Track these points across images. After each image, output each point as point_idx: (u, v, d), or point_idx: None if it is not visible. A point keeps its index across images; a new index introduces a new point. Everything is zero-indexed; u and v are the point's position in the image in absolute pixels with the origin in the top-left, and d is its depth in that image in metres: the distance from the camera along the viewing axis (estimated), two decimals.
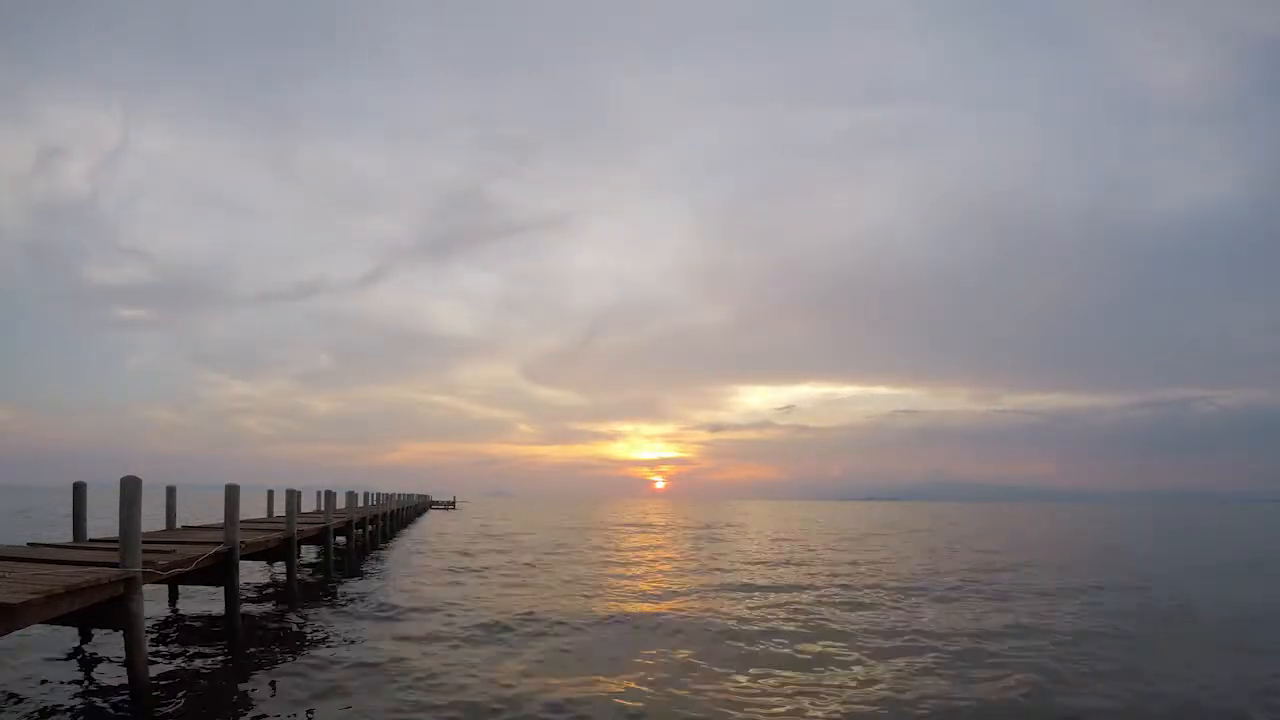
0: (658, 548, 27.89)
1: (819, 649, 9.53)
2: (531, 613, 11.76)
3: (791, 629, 10.90)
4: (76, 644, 8.51)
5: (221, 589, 9.70)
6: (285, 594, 12.83)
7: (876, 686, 7.73)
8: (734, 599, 14.04)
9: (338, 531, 17.83)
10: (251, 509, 16.11)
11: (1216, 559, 25.53)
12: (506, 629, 10.54)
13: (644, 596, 14.32)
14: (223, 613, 9.94)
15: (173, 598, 11.63)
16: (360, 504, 25.01)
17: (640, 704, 7.01)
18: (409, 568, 18.81)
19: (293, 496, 13.53)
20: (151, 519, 9.13)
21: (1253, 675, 8.39)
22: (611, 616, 11.84)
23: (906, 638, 10.31)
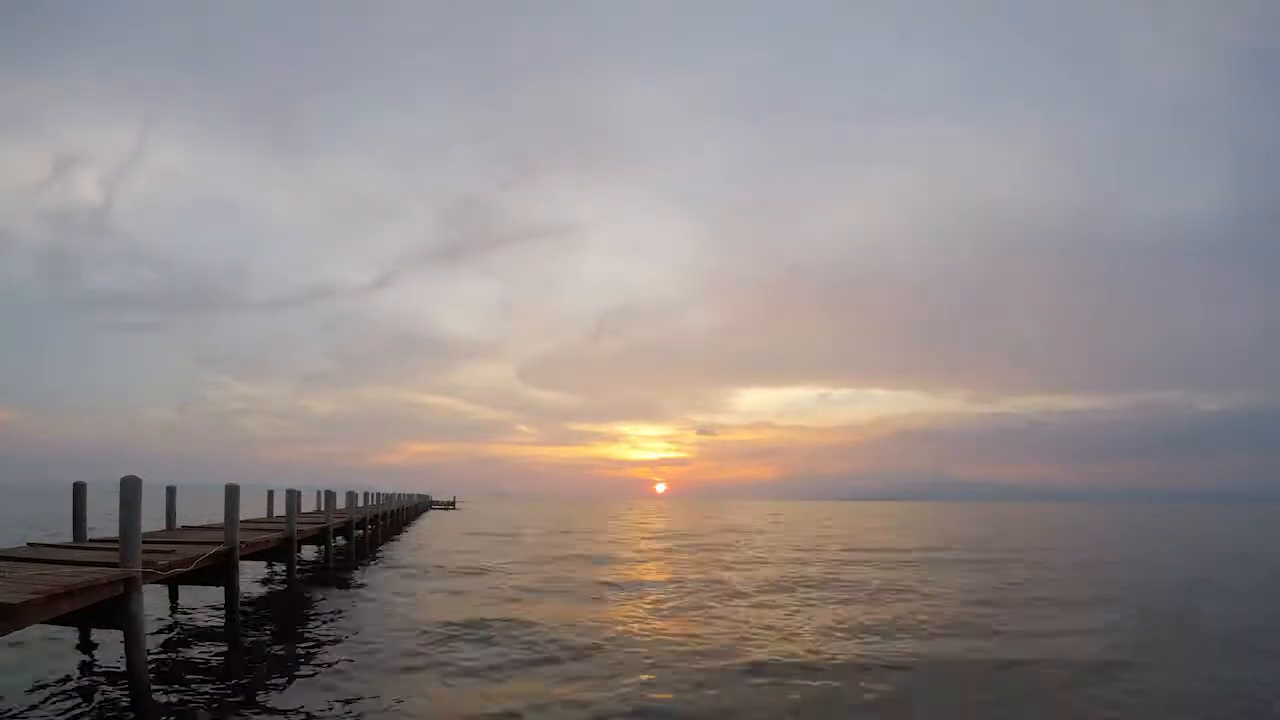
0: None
1: None
2: (535, 619, 11.76)
3: None
4: (76, 644, 8.51)
5: (221, 589, 9.72)
6: (285, 594, 12.85)
7: None
8: None
9: (338, 531, 17.86)
10: (252, 509, 16.11)
11: None
12: (505, 630, 10.55)
13: None
14: (223, 613, 9.97)
15: (173, 598, 11.64)
16: (360, 504, 25.01)
17: None
18: (408, 568, 18.81)
19: (293, 497, 13.56)
20: (152, 519, 9.14)
21: None
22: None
23: None
